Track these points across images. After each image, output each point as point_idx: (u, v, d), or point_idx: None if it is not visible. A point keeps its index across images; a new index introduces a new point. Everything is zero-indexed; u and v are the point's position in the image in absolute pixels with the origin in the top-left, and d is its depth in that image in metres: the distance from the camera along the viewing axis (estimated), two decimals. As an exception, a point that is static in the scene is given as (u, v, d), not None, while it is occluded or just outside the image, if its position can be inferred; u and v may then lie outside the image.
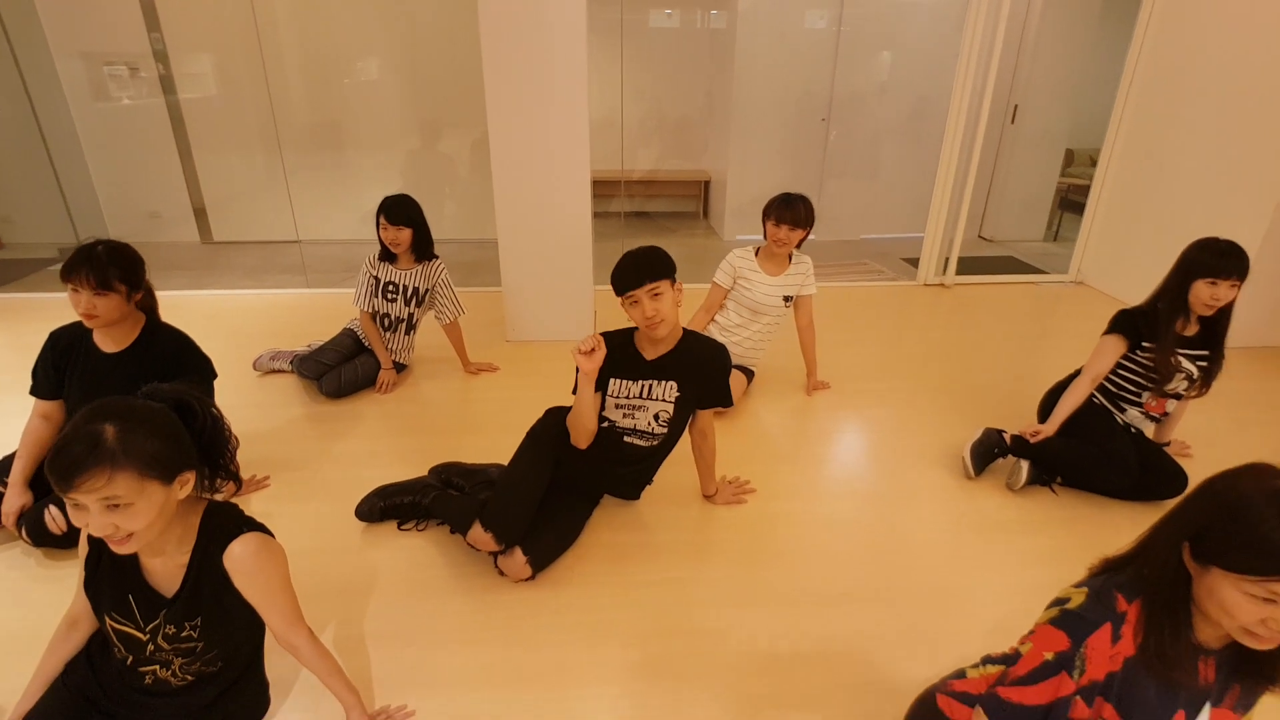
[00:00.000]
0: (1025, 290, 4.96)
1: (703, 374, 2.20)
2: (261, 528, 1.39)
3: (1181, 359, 2.46)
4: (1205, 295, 2.35)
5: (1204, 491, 1.08)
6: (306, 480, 2.63)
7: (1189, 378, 2.49)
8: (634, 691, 1.77)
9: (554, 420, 2.24)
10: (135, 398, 1.22)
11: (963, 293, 4.90)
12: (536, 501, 2.13)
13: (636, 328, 2.15)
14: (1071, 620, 1.14)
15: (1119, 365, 2.58)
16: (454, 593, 2.09)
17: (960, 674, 1.41)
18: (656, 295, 1.99)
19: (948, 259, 4.98)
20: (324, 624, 1.93)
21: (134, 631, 1.34)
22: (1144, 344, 2.50)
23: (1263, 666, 1.10)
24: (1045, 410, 2.75)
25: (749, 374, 3.32)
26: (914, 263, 5.16)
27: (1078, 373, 2.64)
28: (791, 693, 1.77)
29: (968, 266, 5.17)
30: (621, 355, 2.14)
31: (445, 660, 1.85)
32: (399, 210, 3.11)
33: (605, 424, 2.20)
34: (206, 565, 1.32)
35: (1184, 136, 4.23)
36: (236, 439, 1.45)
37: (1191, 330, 2.48)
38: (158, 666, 1.38)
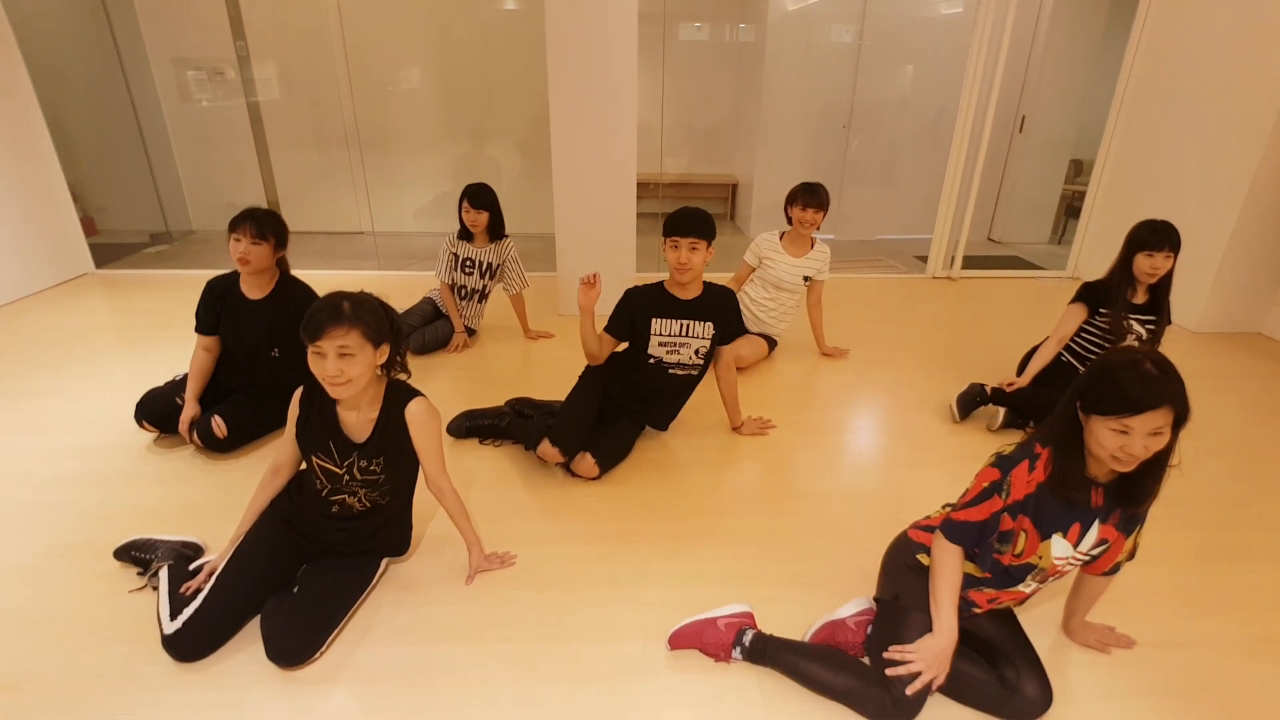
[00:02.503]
0: (1026, 284, 5.44)
1: (726, 313, 2.72)
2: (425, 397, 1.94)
3: (1132, 322, 2.93)
4: (1145, 266, 2.82)
5: (1090, 365, 1.56)
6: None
7: (1139, 339, 2.95)
8: (680, 549, 2.29)
9: (594, 368, 2.84)
10: (359, 292, 1.78)
11: (967, 285, 5.39)
12: (590, 423, 2.67)
13: (663, 281, 2.69)
14: (1002, 460, 1.63)
15: (1083, 329, 3.05)
16: (533, 486, 2.63)
17: (926, 517, 1.90)
18: (694, 249, 2.53)
19: (954, 255, 5.47)
20: (436, 506, 2.46)
21: (333, 467, 1.88)
22: (1101, 310, 2.97)
23: (1133, 491, 1.56)
24: (1023, 368, 3.22)
25: (771, 342, 3.83)
26: (925, 260, 5.64)
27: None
28: (800, 554, 2.28)
29: (975, 264, 5.67)
30: (659, 300, 2.67)
31: (534, 528, 2.38)
32: (480, 196, 3.66)
33: (652, 360, 2.72)
34: (392, 417, 1.87)
35: (1168, 148, 4.71)
36: (408, 342, 2.00)
37: (1141, 299, 2.94)
38: (346, 495, 1.91)
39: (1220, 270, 4.32)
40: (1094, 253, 5.39)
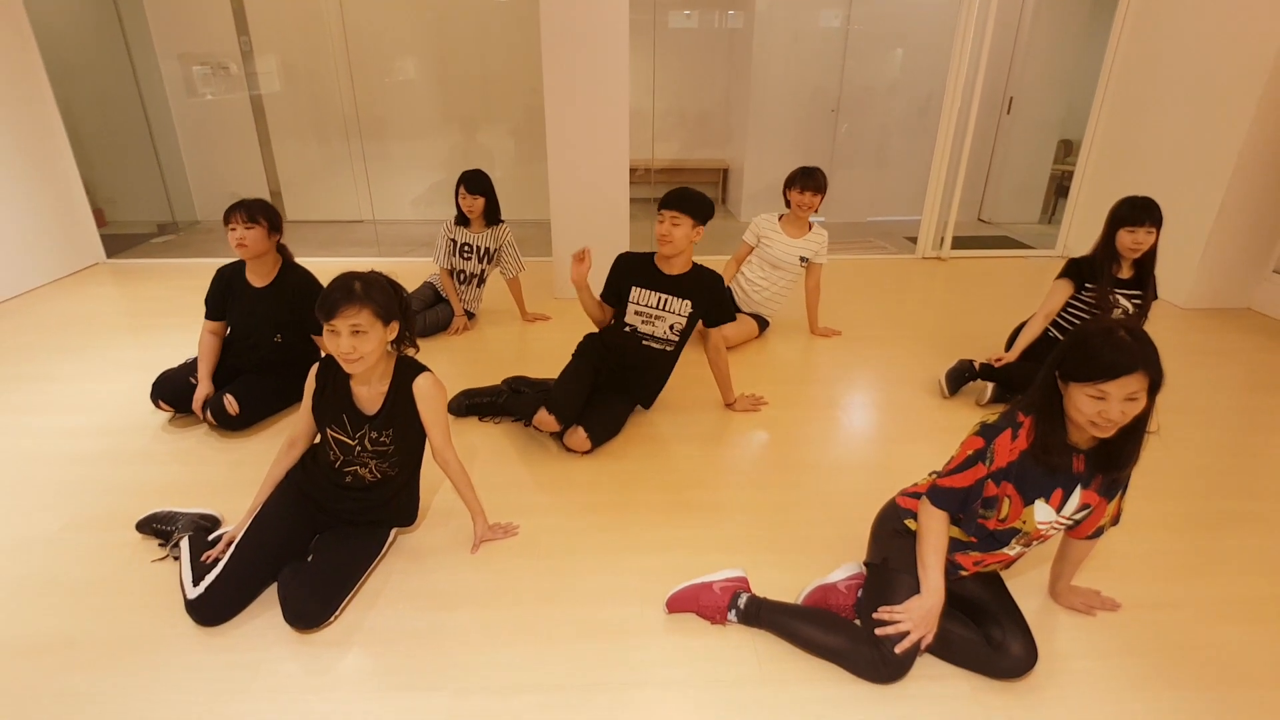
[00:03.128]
0: (1015, 263, 5.54)
1: (710, 296, 2.82)
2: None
3: (1119, 296, 3.02)
4: (1128, 241, 2.91)
5: (1067, 335, 1.63)
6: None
7: (1125, 313, 3.04)
8: (675, 519, 2.40)
9: (589, 340, 2.95)
10: (369, 272, 1.87)
11: (957, 265, 5.48)
12: (584, 395, 2.78)
13: (654, 253, 2.80)
14: (986, 429, 1.71)
15: (1070, 305, 3.14)
16: (532, 462, 2.73)
17: (914, 484, 2.00)
18: (675, 224, 2.64)
19: (943, 236, 5.56)
20: (442, 479, 2.56)
21: (346, 439, 1.98)
22: (1087, 285, 3.06)
23: (1114, 457, 1.62)
24: (1011, 343, 3.31)
25: (763, 323, 3.92)
26: (915, 240, 5.73)
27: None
28: (793, 522, 2.38)
29: (965, 244, 5.76)
30: (644, 269, 2.80)
31: (535, 500, 2.49)
32: (476, 182, 3.75)
33: (628, 329, 2.83)
34: (401, 391, 1.97)
35: (1153, 127, 4.79)
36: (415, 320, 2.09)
37: (1126, 274, 3.03)
38: (358, 466, 2.02)
39: (1208, 247, 4.41)
40: (1082, 231, 5.47)
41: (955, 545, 1.81)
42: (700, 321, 2.88)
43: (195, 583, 1.92)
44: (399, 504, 2.16)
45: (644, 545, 2.26)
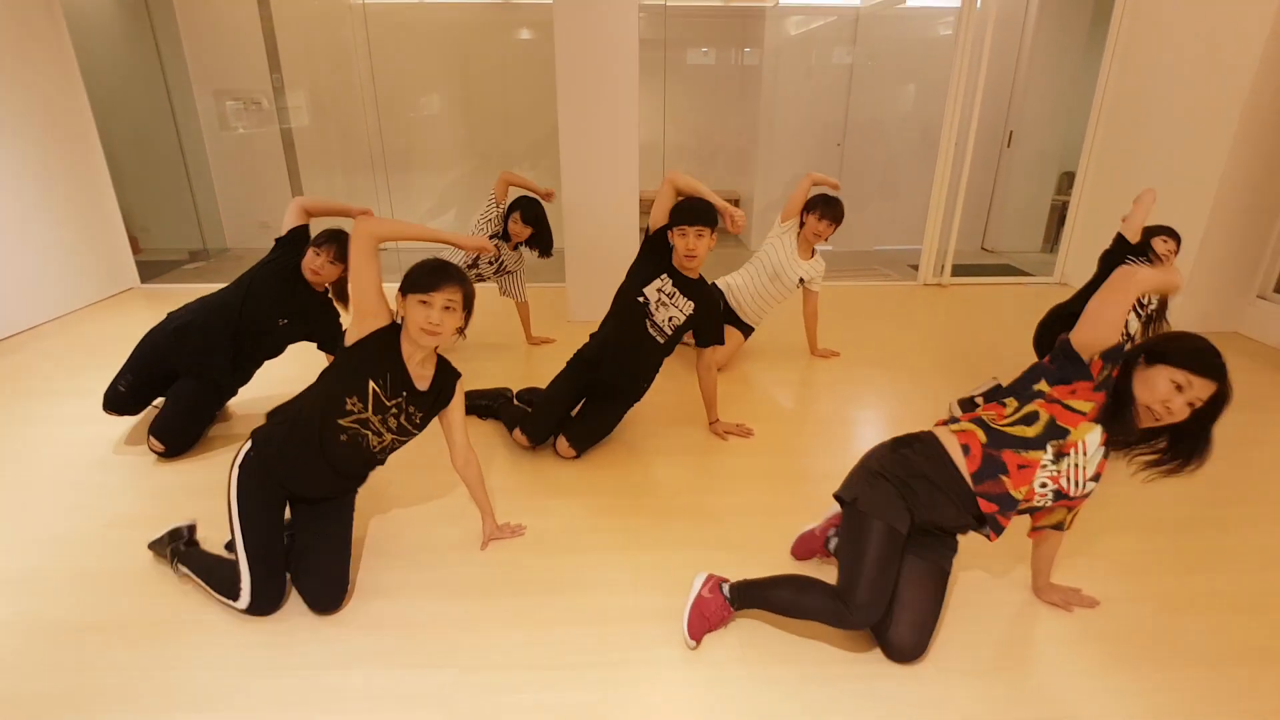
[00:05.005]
0: (1014, 290, 5.69)
1: (707, 311, 2.95)
2: None
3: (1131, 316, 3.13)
4: (1161, 249, 3.10)
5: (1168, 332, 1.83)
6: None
7: (1129, 336, 3.14)
8: (666, 520, 2.58)
9: (579, 357, 3.09)
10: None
11: (957, 291, 5.64)
12: (560, 415, 3.00)
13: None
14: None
15: None
16: (539, 471, 2.92)
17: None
18: (700, 236, 2.77)
19: (944, 264, 5.73)
20: (448, 480, 2.74)
21: (384, 398, 2.02)
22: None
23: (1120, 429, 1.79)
24: (1037, 341, 3.38)
25: (747, 331, 4.07)
26: (917, 268, 5.91)
27: (1068, 301, 3.28)
28: (778, 525, 2.52)
29: (966, 272, 5.92)
30: (671, 261, 2.90)
31: (541, 503, 2.67)
32: (530, 210, 3.95)
33: (642, 299, 2.91)
34: (445, 380, 2.15)
35: (1142, 159, 4.98)
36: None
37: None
38: (369, 433, 2.06)
39: (1195, 272, 4.56)
40: (1080, 258, 5.64)
41: (1012, 441, 1.85)
42: (692, 335, 3.02)
43: (234, 597, 2.04)
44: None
45: (641, 544, 2.43)
